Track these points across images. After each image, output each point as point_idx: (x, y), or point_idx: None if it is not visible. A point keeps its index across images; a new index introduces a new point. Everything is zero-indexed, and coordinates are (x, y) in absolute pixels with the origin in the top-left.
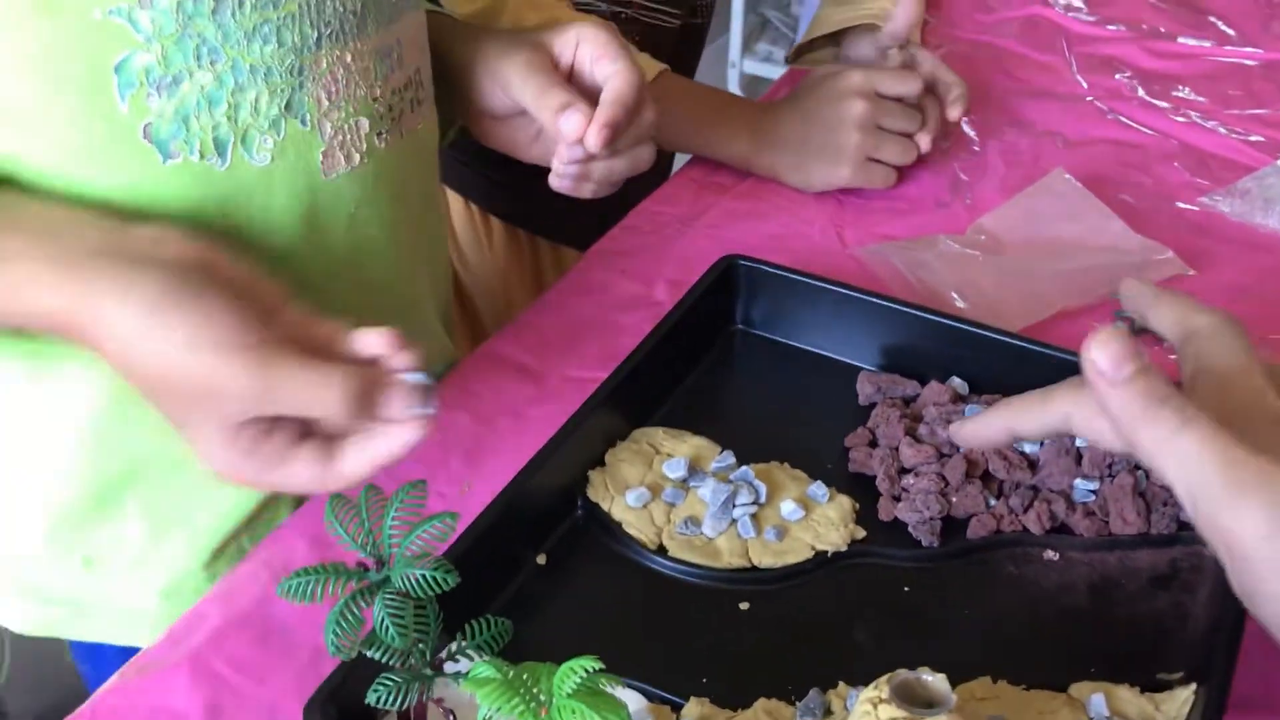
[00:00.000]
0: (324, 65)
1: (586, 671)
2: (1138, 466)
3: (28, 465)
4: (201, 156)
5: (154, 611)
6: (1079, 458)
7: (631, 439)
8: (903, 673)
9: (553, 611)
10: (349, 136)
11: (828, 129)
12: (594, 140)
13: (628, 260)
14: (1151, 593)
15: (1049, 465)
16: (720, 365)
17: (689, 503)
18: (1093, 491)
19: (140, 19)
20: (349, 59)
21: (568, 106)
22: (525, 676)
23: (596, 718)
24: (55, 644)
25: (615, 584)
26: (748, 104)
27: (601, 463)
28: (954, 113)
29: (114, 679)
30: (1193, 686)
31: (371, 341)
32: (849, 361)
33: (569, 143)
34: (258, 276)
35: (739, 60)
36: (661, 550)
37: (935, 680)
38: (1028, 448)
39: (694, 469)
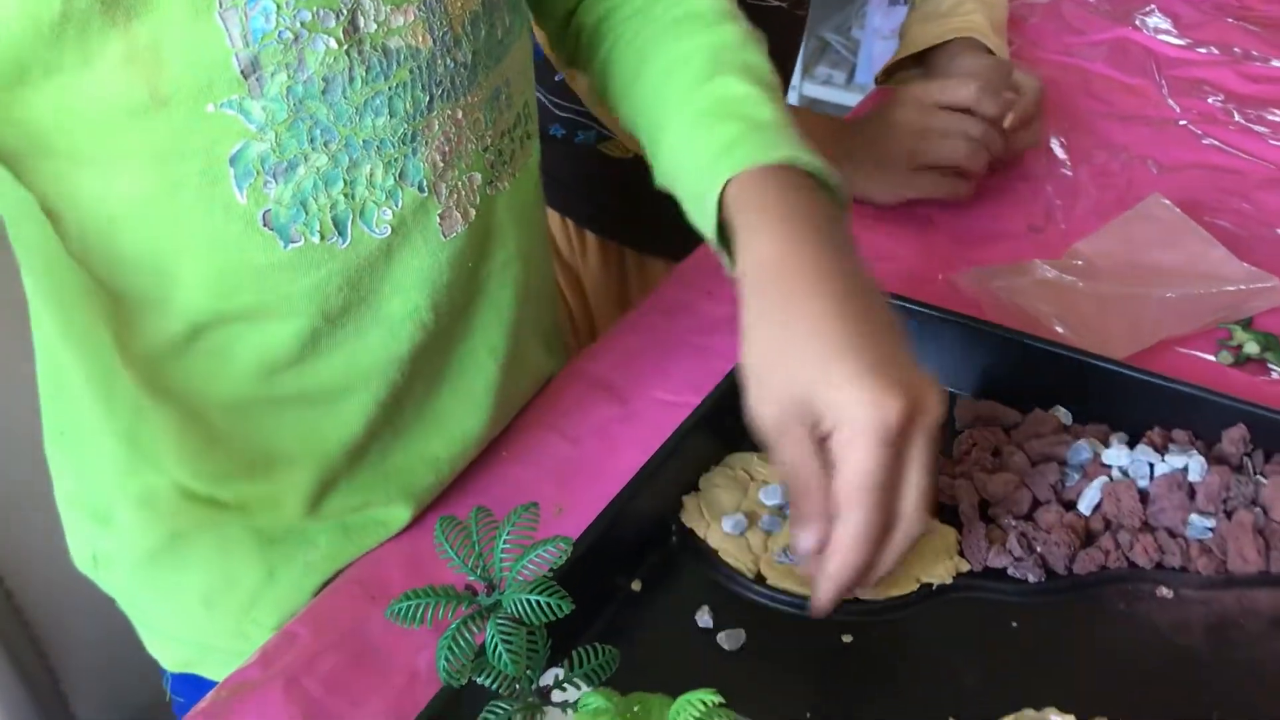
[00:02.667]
0: (435, 128)
1: (705, 705)
2: (1255, 502)
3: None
4: (322, 238)
5: None
6: (1192, 493)
7: (725, 464)
8: (1030, 714)
9: (649, 640)
10: (464, 194)
11: (880, 139)
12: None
13: (714, 281)
14: (1273, 633)
15: (1160, 500)
16: None
17: (787, 531)
18: (1209, 529)
19: (252, 109)
20: (460, 115)
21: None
22: (636, 708)
23: None
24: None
25: (713, 613)
26: (827, 122)
27: (695, 488)
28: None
29: (208, 698)
30: None
31: None
32: (947, 388)
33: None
34: None
35: (799, 83)
36: (760, 579)
37: None
38: (1140, 483)
39: None
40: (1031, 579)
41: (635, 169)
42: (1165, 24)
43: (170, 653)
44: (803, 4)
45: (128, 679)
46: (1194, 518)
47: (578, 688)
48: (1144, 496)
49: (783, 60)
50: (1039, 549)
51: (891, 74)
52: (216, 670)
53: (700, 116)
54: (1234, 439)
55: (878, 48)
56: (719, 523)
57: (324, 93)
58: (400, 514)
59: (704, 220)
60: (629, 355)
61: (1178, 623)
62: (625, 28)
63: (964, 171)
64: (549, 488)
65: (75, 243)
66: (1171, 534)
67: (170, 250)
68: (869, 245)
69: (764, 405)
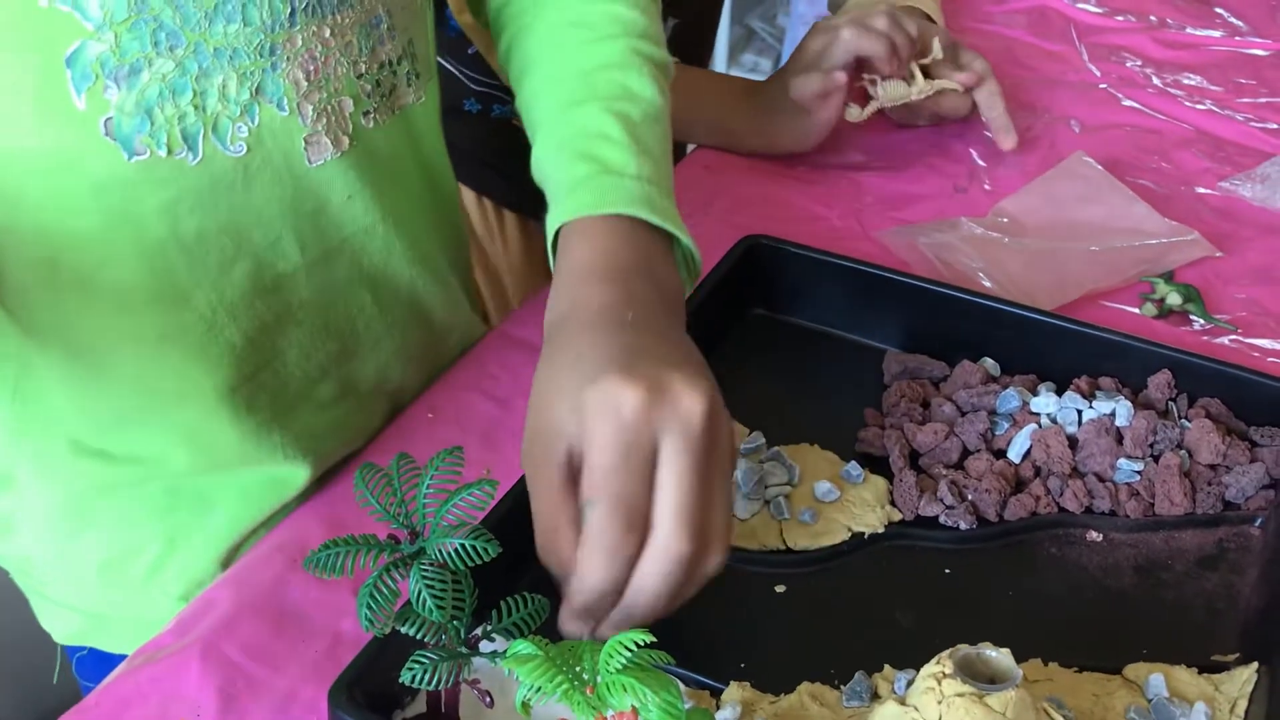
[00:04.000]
0: (299, 43)
1: (635, 646)
2: (1181, 446)
3: (30, 473)
4: (170, 151)
5: None
6: (1119, 437)
7: None
8: (964, 648)
9: None
10: (333, 120)
11: (793, 72)
12: None
13: None
14: (1199, 574)
15: (1089, 445)
16: (742, 348)
17: None
18: (1137, 472)
19: (88, 5)
20: (328, 34)
21: None
22: (566, 654)
23: (649, 694)
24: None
25: None
26: (744, 83)
27: None
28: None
29: (121, 668)
30: (1254, 666)
31: None
32: (875, 344)
33: None
34: None
35: (724, 71)
36: None
37: (999, 656)
38: (1069, 429)
39: None
40: (963, 526)
41: None
42: None
43: (63, 624)
44: None
45: (40, 678)
46: (1122, 462)
47: (506, 639)
48: (1072, 443)
49: (702, 31)
50: (970, 497)
51: None
52: (112, 642)
53: (559, 146)
54: (1159, 384)
55: (803, 35)
56: None
57: None
58: (299, 472)
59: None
60: None
61: (1107, 565)
62: (519, 22)
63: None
64: (476, 448)
65: None
66: (1100, 478)
67: (9, 165)
68: (798, 207)
69: (525, 449)
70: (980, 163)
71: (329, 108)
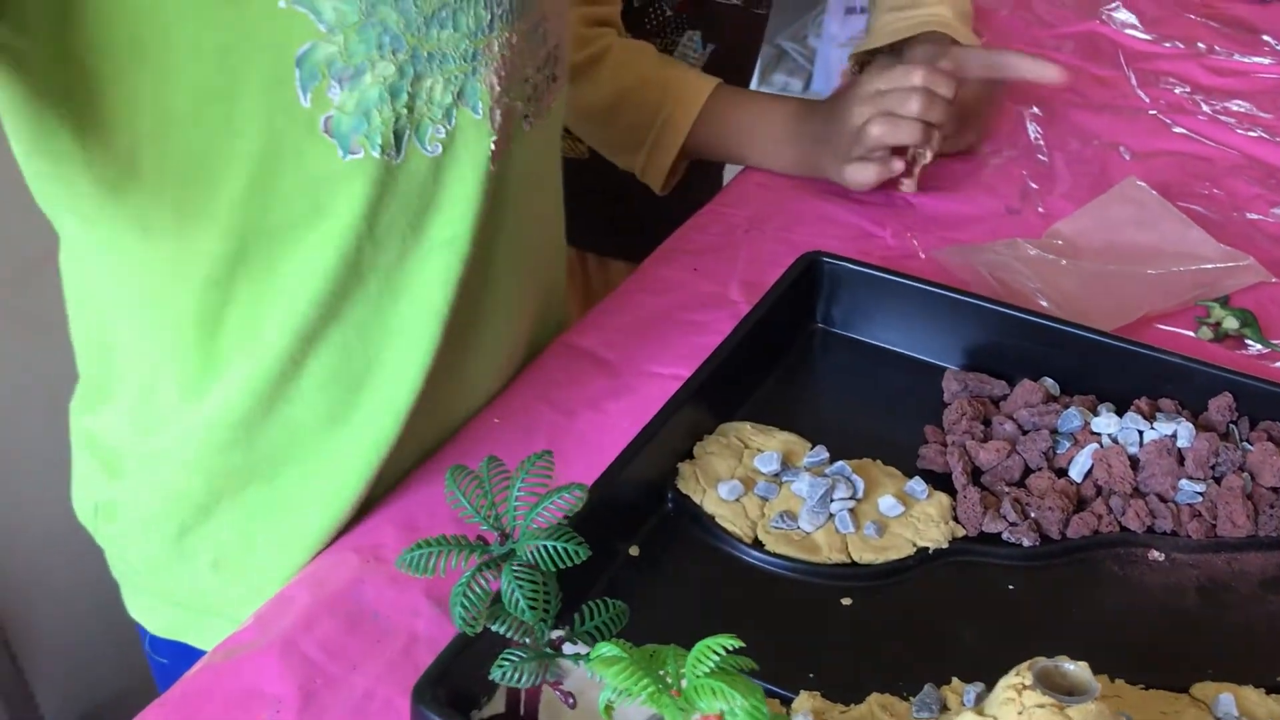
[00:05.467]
0: (496, 49)
1: (725, 650)
2: (1243, 468)
3: (156, 466)
4: (382, 151)
5: None
6: (1181, 459)
7: (719, 433)
8: (1042, 660)
9: (649, 603)
10: (509, 122)
11: (833, 123)
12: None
13: (698, 259)
14: (1263, 596)
15: (1151, 465)
16: (802, 363)
17: (783, 497)
18: (1199, 494)
19: (323, 8)
20: (514, 40)
21: None
22: (649, 658)
23: (738, 697)
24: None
25: (711, 577)
26: (792, 103)
27: (690, 456)
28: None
29: (201, 663)
30: None
31: None
32: (933, 361)
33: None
34: None
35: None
36: (757, 544)
37: (1077, 669)
38: (1130, 449)
39: (786, 464)
40: (1026, 543)
41: (591, 169)
42: (1131, 19)
43: (158, 617)
44: (761, 3)
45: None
46: (1184, 483)
47: (587, 643)
48: (1133, 463)
49: (741, 59)
50: (1033, 514)
51: (863, 66)
52: (201, 637)
53: None
54: (1220, 407)
55: (834, 56)
56: (714, 489)
57: None
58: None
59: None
60: (617, 331)
61: (1170, 585)
62: None
63: (912, 150)
64: None
65: (123, 155)
66: (1162, 499)
67: (221, 157)
68: (851, 225)
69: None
70: (1032, 185)
71: (508, 111)
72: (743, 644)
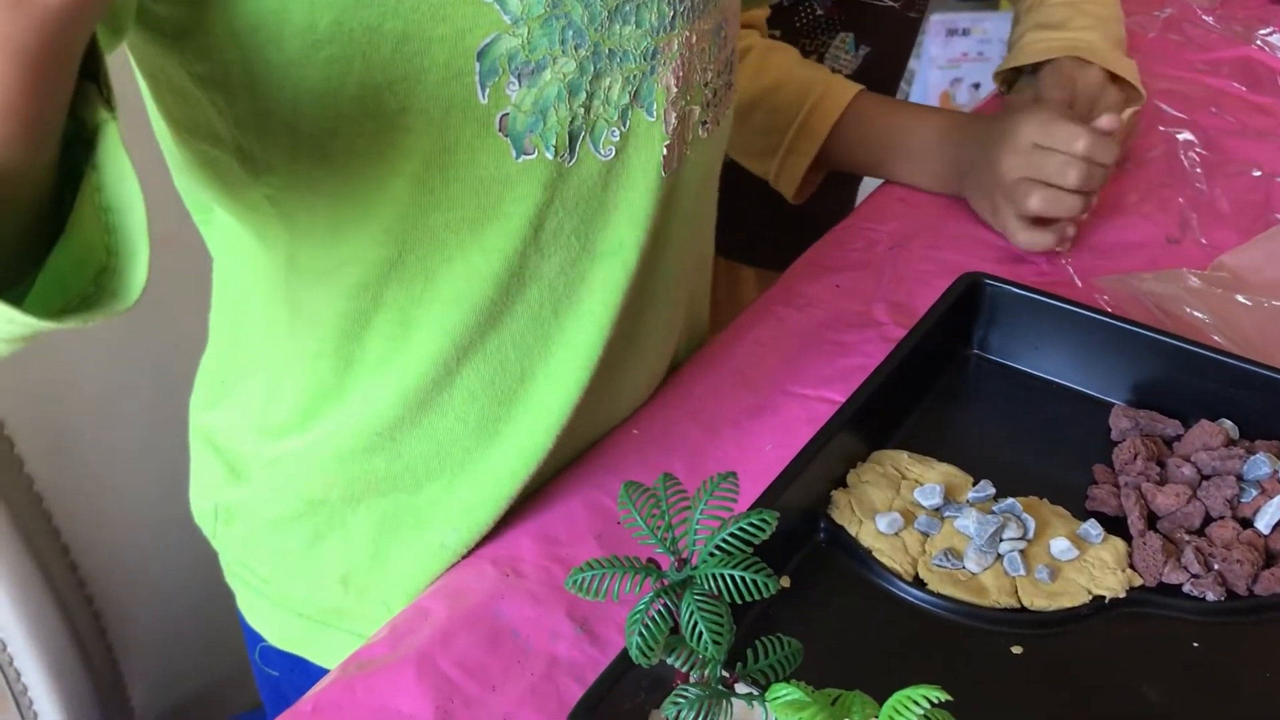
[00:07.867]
0: (675, 47)
1: (930, 703)
2: None
3: (286, 469)
4: (556, 153)
5: None
6: None
7: (874, 460)
8: None
9: (802, 639)
10: (684, 127)
11: (989, 159)
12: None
13: (839, 276)
14: None
15: None
16: (957, 390)
17: (945, 533)
18: None
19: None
20: (694, 39)
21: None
22: (835, 703)
23: None
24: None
25: (868, 614)
26: (949, 115)
27: (843, 484)
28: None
29: (334, 674)
30: None
31: None
32: (1097, 395)
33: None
34: None
35: None
36: (918, 583)
37: None
38: None
39: (948, 498)
40: (1210, 597)
41: (722, 172)
42: None
43: (277, 626)
44: (916, 5)
45: (183, 668)
46: None
47: (759, 681)
48: None
49: (895, 61)
50: (1217, 566)
51: (1010, 82)
52: (319, 651)
53: None
54: None
55: (933, 77)
56: (871, 521)
57: None
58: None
59: None
60: (760, 346)
61: None
62: None
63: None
64: (681, 472)
65: (284, 150)
66: None
67: (387, 156)
68: (1001, 248)
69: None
70: (1192, 214)
71: (684, 115)
72: (949, 697)
